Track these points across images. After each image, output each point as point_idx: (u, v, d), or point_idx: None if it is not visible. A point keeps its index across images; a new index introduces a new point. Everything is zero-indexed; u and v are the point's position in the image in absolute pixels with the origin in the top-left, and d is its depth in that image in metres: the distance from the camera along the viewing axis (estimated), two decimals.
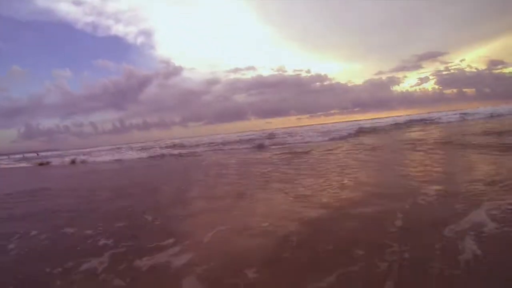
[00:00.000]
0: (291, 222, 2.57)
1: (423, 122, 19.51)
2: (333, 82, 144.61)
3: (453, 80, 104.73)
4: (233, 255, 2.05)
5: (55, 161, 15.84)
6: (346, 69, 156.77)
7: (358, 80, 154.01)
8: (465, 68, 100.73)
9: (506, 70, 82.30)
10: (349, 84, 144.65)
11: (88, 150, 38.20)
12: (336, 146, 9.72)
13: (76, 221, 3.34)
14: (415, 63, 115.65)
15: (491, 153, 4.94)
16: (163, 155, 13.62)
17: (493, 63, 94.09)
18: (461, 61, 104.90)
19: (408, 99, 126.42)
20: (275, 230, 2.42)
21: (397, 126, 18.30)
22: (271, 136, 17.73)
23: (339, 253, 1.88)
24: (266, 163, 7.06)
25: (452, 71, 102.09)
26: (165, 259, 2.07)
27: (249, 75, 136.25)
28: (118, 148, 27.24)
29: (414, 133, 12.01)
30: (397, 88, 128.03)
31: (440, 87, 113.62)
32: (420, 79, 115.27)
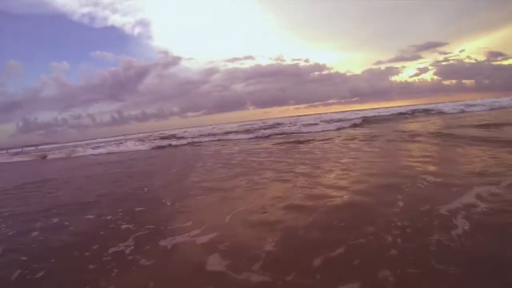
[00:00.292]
0: (306, 202, 2.80)
1: (427, 112, 19.26)
2: (332, 71, 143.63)
3: (452, 71, 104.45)
4: (251, 233, 2.25)
5: (55, 154, 15.88)
6: (345, 58, 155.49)
7: (357, 70, 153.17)
8: (465, 59, 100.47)
9: (506, 62, 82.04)
10: (348, 74, 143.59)
11: (88, 142, 38.10)
12: (349, 134, 9.89)
13: (94, 208, 3.51)
14: (414, 53, 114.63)
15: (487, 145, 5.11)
16: (169, 145, 13.72)
17: (493, 54, 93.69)
18: (460, 52, 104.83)
19: (407, 89, 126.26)
20: (291, 210, 2.64)
21: (402, 115, 18.02)
22: (275, 126, 17.58)
23: (350, 228, 2.10)
24: (274, 151, 7.24)
25: (451, 61, 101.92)
26: (188, 239, 2.26)
27: (247, 64, 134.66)
28: (118, 140, 27.10)
29: (424, 123, 12.02)
30: (396, 78, 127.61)
31: (439, 78, 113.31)
32: (419, 69, 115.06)
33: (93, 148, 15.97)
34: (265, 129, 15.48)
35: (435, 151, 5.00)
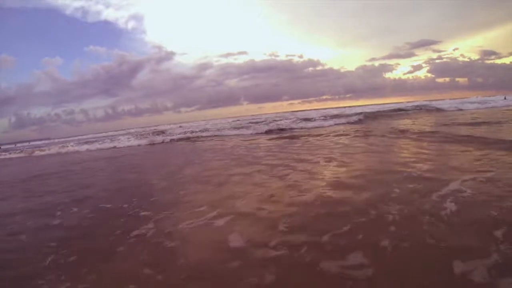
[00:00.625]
0: (315, 189, 3.07)
1: (422, 109, 19.48)
2: (326, 67, 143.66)
3: (446, 69, 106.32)
4: (263, 215, 2.49)
5: (55, 150, 15.82)
6: (339, 54, 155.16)
7: (351, 66, 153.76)
8: (458, 57, 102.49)
9: (499, 61, 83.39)
10: (342, 70, 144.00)
11: (82, 137, 37.72)
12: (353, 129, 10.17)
13: (110, 198, 3.70)
14: (408, 51, 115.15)
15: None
16: (171, 140, 13.76)
17: (486, 53, 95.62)
18: (454, 50, 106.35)
19: (400, 87, 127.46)
20: (301, 197, 2.90)
21: (398, 112, 18.30)
22: (277, 120, 17.60)
23: (355, 211, 2.36)
24: (278, 145, 7.47)
25: (445, 59, 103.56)
26: (206, 221, 2.49)
27: (241, 59, 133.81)
28: (112, 135, 26.95)
29: (421, 119, 12.34)
30: (389, 75, 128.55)
31: (433, 75, 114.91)
32: (413, 66, 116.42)
33: (89, 144, 15.90)
34: (271, 123, 15.20)
35: (428, 148, 5.29)
